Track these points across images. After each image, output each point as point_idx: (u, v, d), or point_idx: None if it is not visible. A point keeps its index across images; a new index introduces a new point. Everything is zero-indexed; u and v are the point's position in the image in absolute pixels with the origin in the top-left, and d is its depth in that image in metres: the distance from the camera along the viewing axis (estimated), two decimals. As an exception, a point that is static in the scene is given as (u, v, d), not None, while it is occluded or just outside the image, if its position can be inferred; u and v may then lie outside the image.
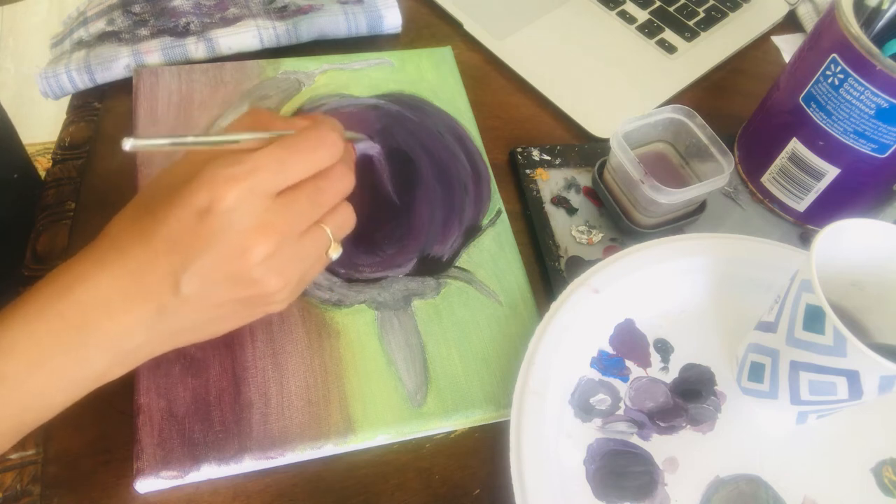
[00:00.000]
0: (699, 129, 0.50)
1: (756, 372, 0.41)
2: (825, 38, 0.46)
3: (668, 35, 0.65)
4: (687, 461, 0.41)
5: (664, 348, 0.45)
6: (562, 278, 0.49)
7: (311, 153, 0.34)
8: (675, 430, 0.42)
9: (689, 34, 0.65)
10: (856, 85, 0.44)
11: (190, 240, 0.31)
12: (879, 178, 0.49)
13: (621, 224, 0.51)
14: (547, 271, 0.49)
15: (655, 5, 0.67)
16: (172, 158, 0.49)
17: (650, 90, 0.61)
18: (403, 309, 0.45)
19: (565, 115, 0.58)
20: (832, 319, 0.34)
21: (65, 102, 0.56)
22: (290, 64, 0.56)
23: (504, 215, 0.50)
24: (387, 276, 0.46)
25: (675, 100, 0.61)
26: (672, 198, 0.47)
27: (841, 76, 0.45)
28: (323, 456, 0.41)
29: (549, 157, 0.55)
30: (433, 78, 0.57)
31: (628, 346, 0.45)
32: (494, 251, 0.49)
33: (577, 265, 0.49)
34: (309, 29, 0.58)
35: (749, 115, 0.57)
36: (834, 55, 0.45)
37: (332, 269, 0.46)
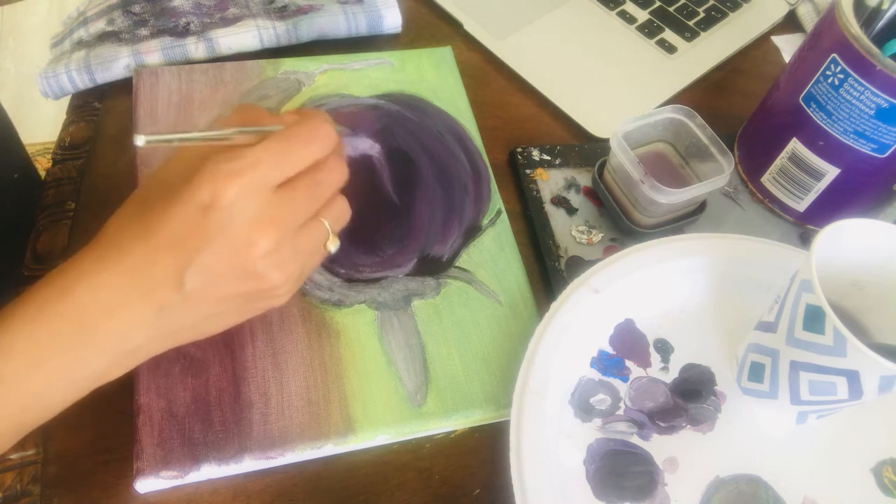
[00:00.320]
0: (699, 129, 0.50)
1: (756, 372, 0.41)
2: (825, 38, 0.46)
3: (668, 35, 0.65)
4: (687, 461, 0.41)
5: (664, 348, 0.45)
6: (562, 278, 0.49)
7: (307, 145, 0.34)
8: (675, 430, 0.42)
9: (689, 34, 0.65)
10: (856, 85, 0.44)
11: (193, 235, 0.31)
12: (879, 178, 0.49)
13: (621, 224, 0.51)
14: (547, 271, 0.49)
15: (655, 5, 0.67)
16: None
17: (650, 90, 0.61)
18: (403, 309, 0.45)
19: (565, 115, 0.58)
20: (832, 319, 0.34)
21: (65, 102, 0.56)
22: (290, 64, 0.56)
23: (504, 215, 0.50)
24: (387, 276, 0.46)
25: (675, 100, 0.61)
26: (672, 198, 0.47)
27: (841, 76, 0.45)
28: (323, 456, 0.41)
29: (549, 157, 0.55)
30: (433, 78, 0.57)
31: (628, 346, 0.45)
32: (494, 251, 0.49)
33: (577, 265, 0.49)
34: (309, 29, 0.58)
35: (749, 115, 0.57)
36: (834, 55, 0.45)
37: (332, 269, 0.46)
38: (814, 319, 0.36)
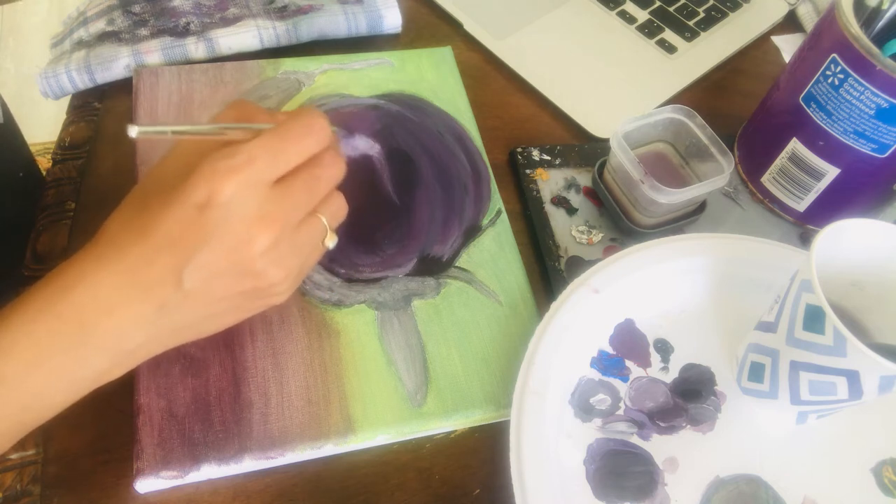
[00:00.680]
0: (699, 129, 0.50)
1: (756, 372, 0.41)
2: (825, 38, 0.46)
3: (668, 35, 0.65)
4: (687, 461, 0.41)
5: (664, 348, 0.45)
6: (562, 278, 0.49)
7: (302, 140, 0.34)
8: (675, 430, 0.42)
9: (689, 34, 0.65)
10: (856, 85, 0.44)
11: (191, 234, 0.31)
12: (879, 178, 0.49)
13: (621, 224, 0.51)
14: (547, 271, 0.49)
15: (655, 5, 0.67)
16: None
17: (650, 90, 0.61)
18: (403, 309, 0.45)
19: (565, 115, 0.58)
20: (832, 319, 0.34)
21: (65, 102, 0.56)
22: (290, 64, 0.56)
23: (504, 215, 0.50)
24: (387, 276, 0.46)
25: (675, 100, 0.61)
26: (672, 198, 0.47)
27: (841, 76, 0.45)
28: (323, 456, 0.41)
29: (549, 157, 0.55)
30: (433, 78, 0.57)
31: (628, 346, 0.45)
32: (494, 251, 0.49)
33: (577, 265, 0.49)
34: (309, 29, 0.58)
35: (749, 115, 0.57)
36: (834, 55, 0.45)
37: (332, 269, 0.46)
38: (814, 319, 0.36)
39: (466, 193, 0.51)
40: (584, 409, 0.42)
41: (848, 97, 0.45)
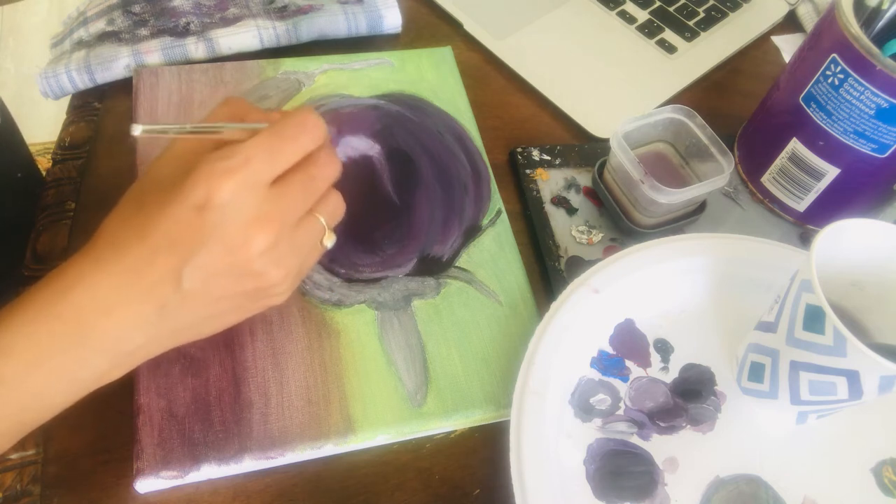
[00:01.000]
0: (699, 129, 0.50)
1: (756, 372, 0.41)
2: (825, 38, 0.46)
3: (668, 35, 0.65)
4: (687, 461, 0.41)
5: (664, 348, 0.45)
6: (562, 278, 0.49)
7: (297, 138, 0.34)
8: (675, 430, 0.42)
9: (689, 34, 0.65)
10: (856, 85, 0.44)
11: (190, 235, 0.31)
12: (879, 178, 0.49)
13: (621, 224, 0.51)
14: (547, 271, 0.49)
15: (655, 5, 0.67)
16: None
17: (650, 90, 0.61)
18: (403, 309, 0.45)
19: (565, 115, 0.58)
20: (832, 319, 0.34)
21: (65, 102, 0.56)
22: (290, 64, 0.56)
23: (504, 215, 0.50)
24: (387, 276, 0.46)
25: (675, 100, 0.61)
26: (672, 198, 0.47)
27: (841, 76, 0.45)
28: (323, 456, 0.41)
29: (549, 157, 0.55)
30: (433, 78, 0.57)
31: (628, 346, 0.45)
32: (494, 251, 0.49)
33: (577, 265, 0.49)
34: (309, 29, 0.58)
35: (749, 115, 0.57)
36: (834, 55, 0.45)
37: (331, 269, 0.46)
38: (814, 319, 0.36)
39: (466, 193, 0.51)
40: (584, 409, 0.42)
41: (848, 97, 0.45)
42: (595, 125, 0.57)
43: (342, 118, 0.53)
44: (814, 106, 0.47)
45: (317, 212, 0.36)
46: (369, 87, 0.55)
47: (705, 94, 0.62)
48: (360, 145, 0.52)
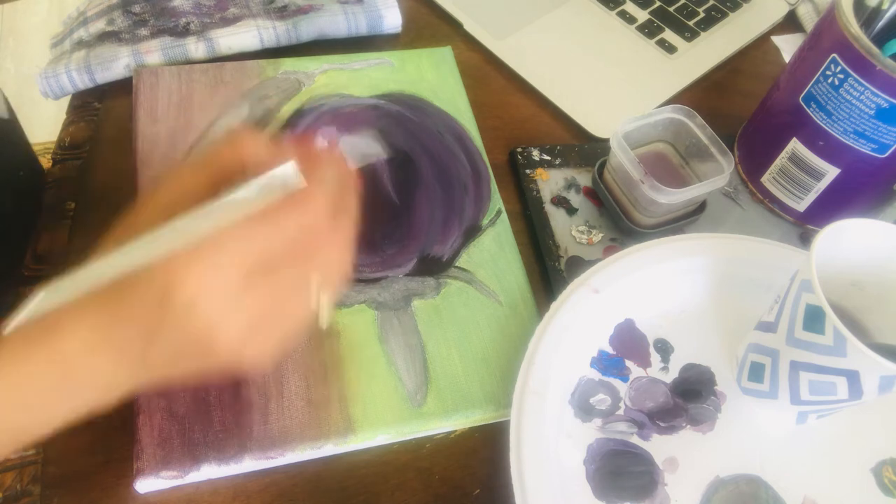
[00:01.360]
0: (699, 129, 0.50)
1: (756, 372, 0.41)
2: (825, 38, 0.46)
3: (668, 35, 0.65)
4: (687, 461, 0.41)
5: (664, 348, 0.45)
6: (562, 278, 0.49)
7: (284, 225, 0.29)
8: (675, 430, 0.42)
9: (689, 34, 0.65)
10: (856, 85, 0.44)
11: (153, 323, 0.29)
12: (879, 178, 0.49)
13: (621, 224, 0.51)
14: (547, 271, 0.49)
15: (655, 5, 0.67)
16: (173, 162, 0.49)
17: (650, 90, 0.61)
18: (403, 309, 0.45)
19: (565, 115, 0.58)
20: (832, 319, 0.34)
21: (65, 102, 0.56)
22: (290, 64, 0.56)
23: (504, 215, 0.50)
24: (387, 276, 0.46)
25: (675, 100, 0.61)
26: (672, 198, 0.47)
27: (841, 76, 0.45)
28: (323, 456, 0.41)
29: (549, 157, 0.55)
30: (433, 78, 0.57)
31: (628, 346, 0.45)
32: (494, 251, 0.49)
33: (577, 265, 0.49)
34: (309, 29, 0.58)
35: (749, 115, 0.57)
36: (834, 55, 0.45)
37: (332, 269, 0.46)
38: (814, 319, 0.36)
39: (466, 193, 0.51)
40: (584, 409, 0.42)
41: (848, 97, 0.45)
42: (595, 125, 0.57)
43: (342, 118, 0.53)
44: (814, 106, 0.47)
45: (310, 277, 0.31)
46: (369, 87, 0.55)
47: (705, 94, 0.62)
48: (363, 147, 0.52)
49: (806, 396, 0.39)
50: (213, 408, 0.40)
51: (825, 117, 0.47)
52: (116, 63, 0.54)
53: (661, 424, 0.42)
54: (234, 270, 0.28)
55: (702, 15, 0.66)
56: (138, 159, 0.48)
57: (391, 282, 0.46)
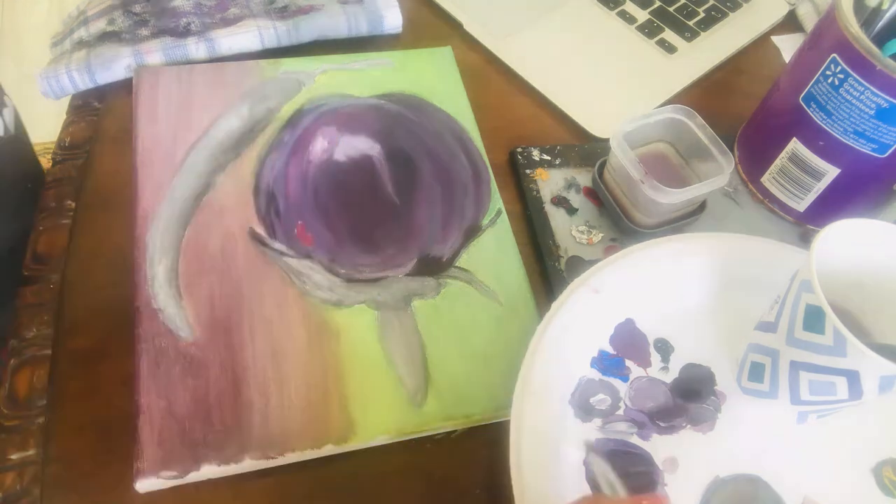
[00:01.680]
0: (699, 129, 0.50)
1: (756, 372, 0.41)
2: (825, 38, 0.46)
3: (668, 35, 0.65)
4: (687, 461, 0.41)
5: (664, 348, 0.45)
6: (562, 278, 0.49)
7: None
8: (675, 430, 0.42)
9: (689, 34, 0.65)
10: (856, 85, 0.44)
11: None
12: (879, 178, 0.49)
13: (621, 224, 0.51)
14: (547, 271, 0.49)
15: (655, 5, 0.67)
16: (173, 162, 0.49)
17: (650, 90, 0.61)
18: (403, 309, 0.45)
19: (565, 115, 0.58)
20: (832, 319, 0.34)
21: (65, 102, 0.56)
22: (290, 64, 0.56)
23: (504, 215, 0.50)
24: (387, 276, 0.46)
25: (675, 100, 0.61)
26: (672, 198, 0.47)
27: (841, 76, 0.45)
28: (323, 456, 0.41)
29: (549, 157, 0.55)
30: (433, 78, 0.57)
31: (628, 346, 0.45)
32: (494, 251, 0.49)
33: (577, 265, 0.49)
34: (309, 29, 0.58)
35: (749, 115, 0.57)
36: (834, 55, 0.45)
37: (332, 269, 0.46)
38: (814, 319, 0.36)
39: (466, 193, 0.51)
40: (584, 409, 0.42)
41: (848, 97, 0.45)
42: (595, 125, 0.57)
43: (342, 118, 0.53)
44: (814, 106, 0.47)
45: None
46: (369, 87, 0.55)
47: (705, 94, 0.63)
48: (361, 145, 0.52)
49: (806, 396, 0.39)
50: (213, 408, 0.40)
51: (825, 117, 0.47)
52: (117, 63, 0.54)
53: (661, 424, 0.42)
54: None
55: (702, 15, 0.66)
56: (138, 159, 0.48)
57: (391, 282, 0.46)
